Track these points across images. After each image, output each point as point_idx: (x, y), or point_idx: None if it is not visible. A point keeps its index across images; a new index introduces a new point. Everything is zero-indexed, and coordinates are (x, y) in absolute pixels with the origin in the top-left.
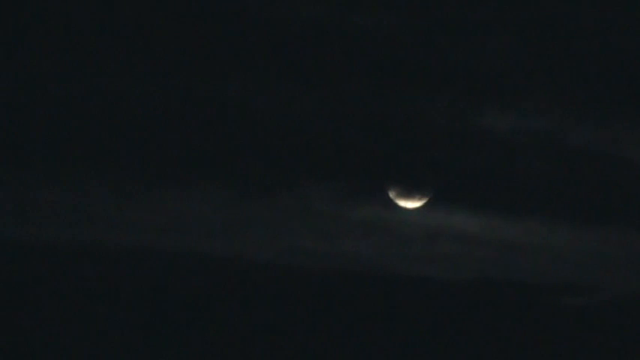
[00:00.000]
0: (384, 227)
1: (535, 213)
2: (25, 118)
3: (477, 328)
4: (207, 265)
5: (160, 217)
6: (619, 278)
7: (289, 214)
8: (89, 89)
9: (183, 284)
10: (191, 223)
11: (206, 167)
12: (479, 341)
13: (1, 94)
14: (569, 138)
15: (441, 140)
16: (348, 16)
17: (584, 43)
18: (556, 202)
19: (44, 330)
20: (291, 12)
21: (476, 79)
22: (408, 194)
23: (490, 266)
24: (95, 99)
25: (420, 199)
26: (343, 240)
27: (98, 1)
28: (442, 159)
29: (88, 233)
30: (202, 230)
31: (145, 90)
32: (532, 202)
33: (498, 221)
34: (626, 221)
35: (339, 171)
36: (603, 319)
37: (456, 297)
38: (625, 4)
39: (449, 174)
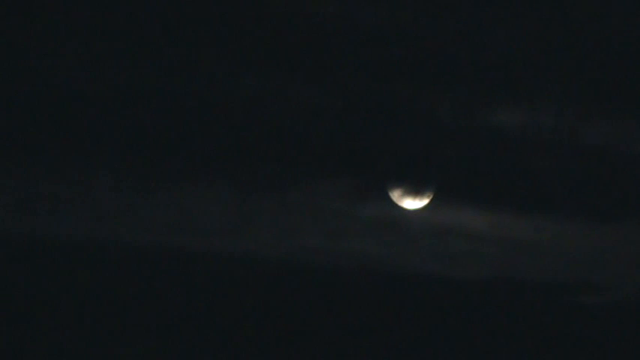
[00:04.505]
0: (393, 225)
1: (546, 210)
2: (31, 111)
3: (487, 327)
4: (214, 263)
5: (165, 214)
6: (633, 277)
7: (297, 211)
8: (97, 84)
9: (189, 282)
10: (197, 220)
11: (212, 165)
12: (488, 340)
13: (6, 86)
14: (580, 134)
15: (450, 137)
16: (357, 13)
17: (597, 39)
18: (567, 199)
19: (46, 329)
20: (297, 9)
21: (485, 75)
22: (417, 192)
23: (500, 264)
24: (102, 95)
25: (428, 196)
26: (351, 237)
27: None
28: (451, 156)
29: (93, 230)
30: (209, 228)
31: (152, 86)
32: (543, 200)
33: (508, 219)
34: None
35: (348, 168)
36: (617, 318)
37: (465, 295)
38: None
39: (458, 171)
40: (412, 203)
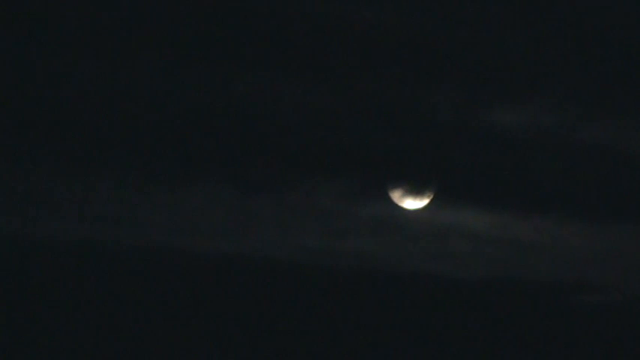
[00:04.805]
0: (393, 225)
1: (546, 210)
2: (31, 111)
3: (487, 327)
4: (214, 264)
5: (166, 215)
6: (632, 277)
7: (297, 211)
8: (97, 85)
9: (189, 282)
10: (197, 221)
11: (213, 166)
12: (488, 340)
13: (7, 85)
14: (581, 134)
15: (450, 137)
16: (358, 13)
17: (596, 39)
18: (567, 199)
19: (46, 329)
20: (295, 7)
21: (486, 74)
22: (417, 191)
23: (500, 264)
24: (102, 95)
25: (428, 196)
26: (351, 238)
27: None
28: (452, 156)
29: (93, 231)
30: (208, 229)
31: (153, 87)
32: (543, 200)
33: (508, 219)
34: (639, 219)
35: (347, 168)
36: (616, 318)
37: (466, 295)
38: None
39: (458, 171)
40: (413, 203)
